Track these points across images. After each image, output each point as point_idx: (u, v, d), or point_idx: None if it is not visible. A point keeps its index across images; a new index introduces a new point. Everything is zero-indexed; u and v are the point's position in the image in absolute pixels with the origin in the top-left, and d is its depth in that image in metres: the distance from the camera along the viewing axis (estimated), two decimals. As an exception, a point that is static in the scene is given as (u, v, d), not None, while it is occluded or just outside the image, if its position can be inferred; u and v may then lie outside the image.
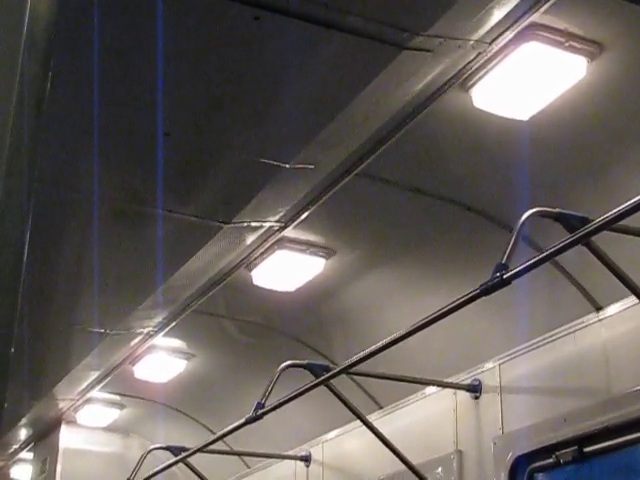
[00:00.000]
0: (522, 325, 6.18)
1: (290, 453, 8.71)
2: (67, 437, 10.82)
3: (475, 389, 6.59)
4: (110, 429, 10.96)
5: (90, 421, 10.65)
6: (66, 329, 7.74)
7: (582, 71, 4.49)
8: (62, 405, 10.12)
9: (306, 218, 5.94)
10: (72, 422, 10.70)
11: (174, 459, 7.94)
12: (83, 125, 4.85)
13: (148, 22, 4.07)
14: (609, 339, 5.59)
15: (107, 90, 4.59)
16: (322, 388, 6.13)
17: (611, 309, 5.60)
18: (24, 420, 10.47)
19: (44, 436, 11.14)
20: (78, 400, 9.89)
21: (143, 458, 8.35)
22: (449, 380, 6.77)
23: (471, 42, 4.27)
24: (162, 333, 7.87)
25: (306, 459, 8.55)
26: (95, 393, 9.66)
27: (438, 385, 6.86)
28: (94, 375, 8.97)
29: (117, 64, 4.45)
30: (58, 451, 10.75)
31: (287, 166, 5.15)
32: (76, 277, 6.80)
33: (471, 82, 4.66)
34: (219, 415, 9.09)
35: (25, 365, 8.09)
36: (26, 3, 1.36)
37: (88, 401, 9.98)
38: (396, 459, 6.67)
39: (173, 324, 7.65)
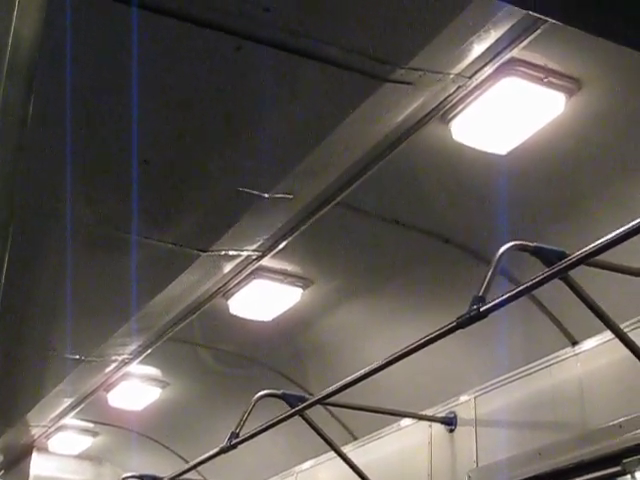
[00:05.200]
0: (498, 358, 6.18)
1: (264, 484, 8.66)
2: (38, 464, 10.71)
3: (450, 422, 6.58)
4: (82, 457, 10.86)
5: (62, 448, 10.55)
6: (40, 355, 7.67)
7: (560, 107, 4.53)
8: (34, 432, 10.02)
9: (284, 248, 5.93)
10: (44, 449, 10.59)
11: (146, 488, 7.88)
12: (61, 151, 4.83)
13: (128, 50, 4.07)
14: (585, 374, 5.60)
15: (85, 117, 4.58)
16: (297, 418, 6.11)
17: (587, 344, 5.62)
18: (-5, 447, 10.37)
19: (15, 463, 11.01)
20: (50, 427, 9.80)
21: (115, 487, 8.28)
22: (424, 412, 6.76)
23: (451, 76, 4.30)
24: (137, 361, 7.83)
25: (280, 490, 8.50)
26: (68, 420, 9.58)
27: (413, 417, 6.85)
28: (67, 402, 8.89)
29: (95, 92, 4.44)
30: (28, 479, 10.63)
31: (266, 195, 5.16)
32: (51, 303, 6.75)
33: (450, 115, 4.68)
34: (193, 444, 9.02)
35: (-3, 391, 8.01)
36: (10, 27, 1.36)
37: (61, 428, 9.89)
38: (370, 491, 6.65)
39: (148, 352, 7.61)
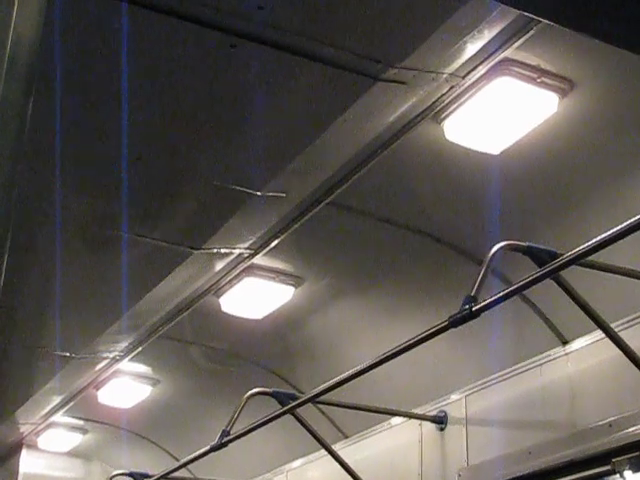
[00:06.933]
0: (489, 357, 6.19)
1: (253, 482, 8.66)
2: (28, 462, 10.68)
3: (441, 420, 6.58)
4: (72, 454, 10.84)
5: (52, 446, 10.52)
6: (30, 352, 7.66)
7: (553, 107, 4.54)
8: (23, 429, 10.00)
9: (276, 246, 5.93)
10: (33, 446, 10.56)
11: (136, 486, 7.86)
12: (53, 148, 4.82)
13: (121, 48, 4.07)
14: (575, 373, 5.61)
15: (75, 114, 4.57)
16: (288, 416, 6.11)
17: (577, 343, 5.63)
18: (-17, 444, 10.35)
19: (4, 460, 10.98)
20: (40, 424, 9.77)
21: (105, 484, 8.27)
22: (415, 411, 6.77)
23: (444, 75, 4.31)
24: (128, 358, 7.82)
25: (270, 488, 8.50)
26: (58, 417, 9.56)
27: (404, 416, 6.85)
28: (57, 399, 8.88)
29: (87, 88, 4.43)
30: (18, 476, 10.60)
31: (258, 193, 5.16)
32: (42, 300, 6.74)
33: (443, 115, 4.69)
34: (183, 442, 9.02)
35: (-13, 388, 7.99)
36: (10, 24, 1.36)
37: (50, 425, 9.87)
38: (360, 489, 6.65)
39: (139, 349, 7.60)
